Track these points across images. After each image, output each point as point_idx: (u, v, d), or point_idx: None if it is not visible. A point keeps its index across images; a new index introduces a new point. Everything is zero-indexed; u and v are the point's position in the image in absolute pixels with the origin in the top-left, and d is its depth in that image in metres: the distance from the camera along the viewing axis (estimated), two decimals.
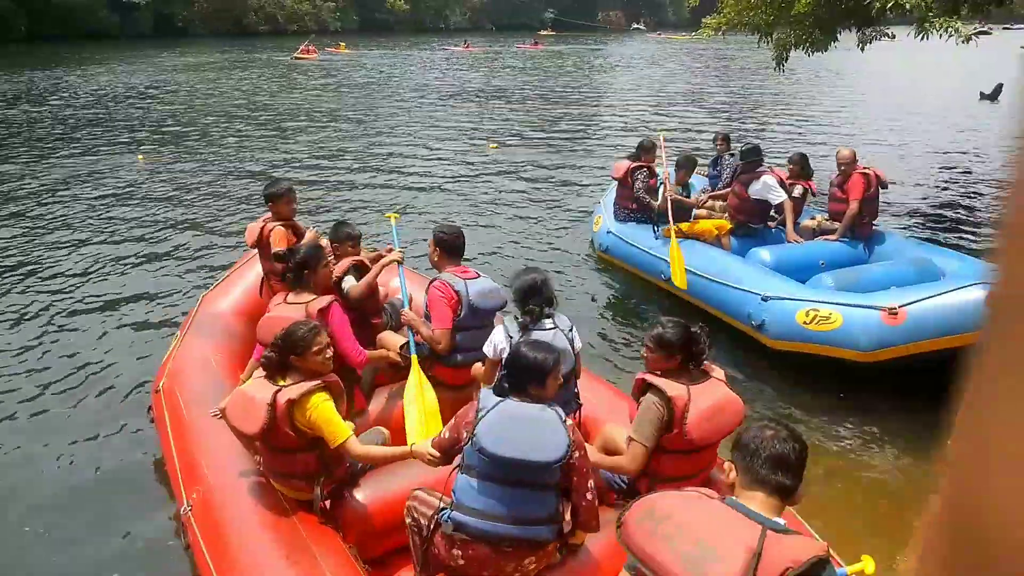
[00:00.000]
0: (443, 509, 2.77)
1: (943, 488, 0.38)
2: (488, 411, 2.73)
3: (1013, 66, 30.97)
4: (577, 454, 2.72)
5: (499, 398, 2.78)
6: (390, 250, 4.80)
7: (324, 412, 3.09)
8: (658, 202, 7.10)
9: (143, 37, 57.57)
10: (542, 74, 33.94)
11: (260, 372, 3.28)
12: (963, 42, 8.42)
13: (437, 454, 2.90)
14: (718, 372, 3.20)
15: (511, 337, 3.50)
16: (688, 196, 7.20)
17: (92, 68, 33.23)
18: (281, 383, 3.16)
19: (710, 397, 3.05)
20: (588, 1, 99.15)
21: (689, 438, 2.98)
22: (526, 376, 2.81)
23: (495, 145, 15.14)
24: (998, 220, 0.35)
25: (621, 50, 55.03)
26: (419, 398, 3.91)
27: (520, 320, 3.59)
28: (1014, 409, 0.33)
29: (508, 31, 72.90)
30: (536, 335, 3.46)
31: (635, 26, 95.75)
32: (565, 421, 2.75)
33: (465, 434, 2.74)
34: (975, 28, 9.44)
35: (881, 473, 4.52)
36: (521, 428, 2.70)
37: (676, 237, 6.76)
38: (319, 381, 3.16)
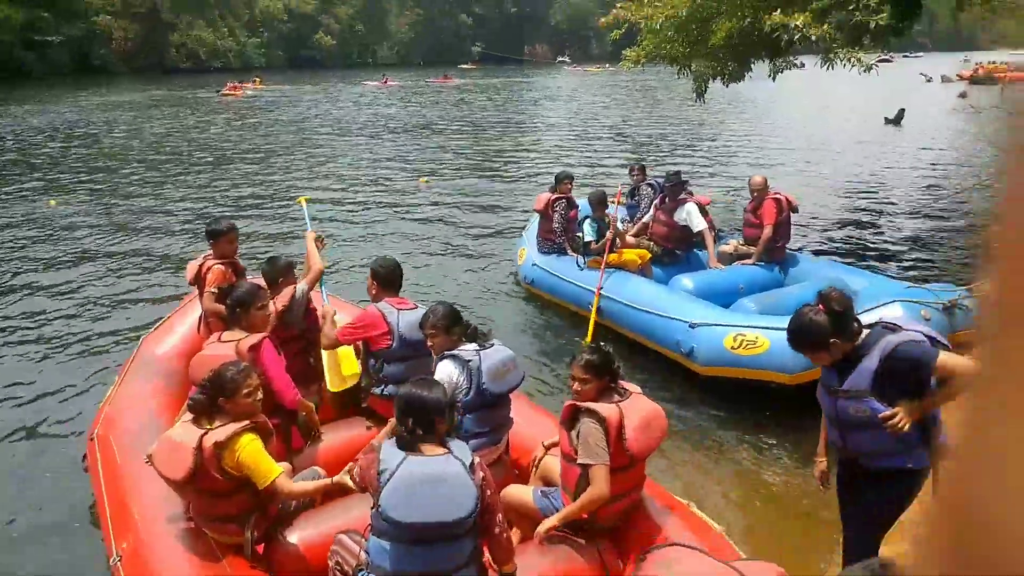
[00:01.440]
0: (360, 570, 2.75)
1: (944, 494, 0.39)
2: (391, 474, 2.61)
3: (913, 91, 32.65)
4: (488, 492, 2.73)
5: (401, 454, 2.67)
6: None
7: (252, 453, 3.07)
8: (581, 235, 7.25)
9: (61, 75, 55.86)
10: (469, 108, 34.26)
11: (188, 416, 3.25)
12: (865, 71, 8.89)
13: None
14: (633, 387, 3.29)
15: (468, 361, 3.51)
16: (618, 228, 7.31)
17: (4, 108, 32.08)
18: (208, 426, 3.13)
19: (639, 411, 3.13)
20: (515, 35, 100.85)
21: (630, 453, 3.04)
22: (428, 416, 2.73)
23: (425, 180, 15.23)
24: (989, 230, 0.36)
25: (545, 82, 55.93)
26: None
27: (470, 344, 3.64)
28: (1013, 417, 0.34)
29: (437, 65, 73.29)
30: (491, 352, 3.60)
31: (560, 59, 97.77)
32: (471, 465, 2.70)
33: (371, 493, 2.68)
34: (877, 56, 9.94)
35: (812, 493, 4.63)
36: (427, 489, 2.61)
37: (604, 268, 6.89)
38: (247, 422, 3.14)
